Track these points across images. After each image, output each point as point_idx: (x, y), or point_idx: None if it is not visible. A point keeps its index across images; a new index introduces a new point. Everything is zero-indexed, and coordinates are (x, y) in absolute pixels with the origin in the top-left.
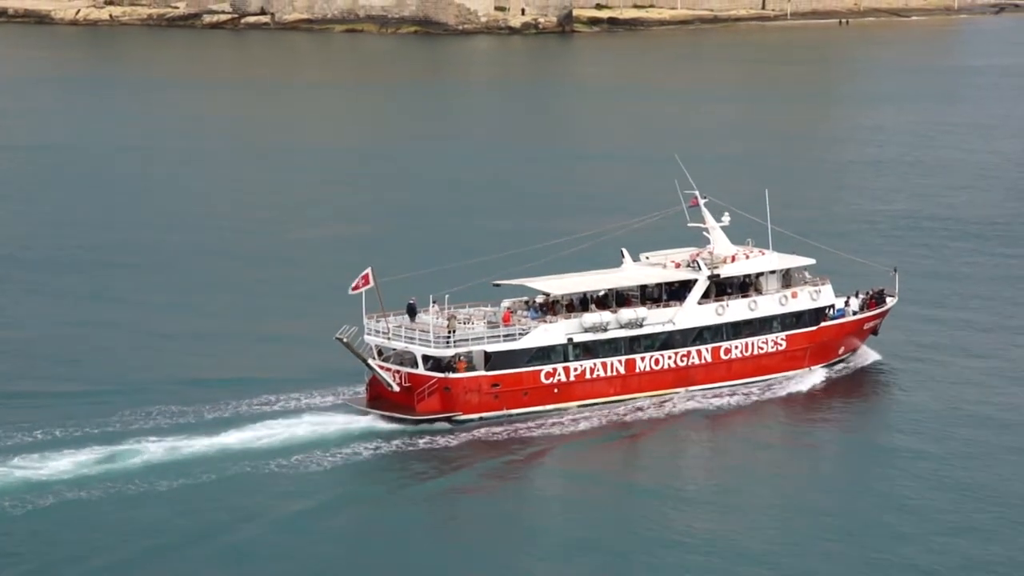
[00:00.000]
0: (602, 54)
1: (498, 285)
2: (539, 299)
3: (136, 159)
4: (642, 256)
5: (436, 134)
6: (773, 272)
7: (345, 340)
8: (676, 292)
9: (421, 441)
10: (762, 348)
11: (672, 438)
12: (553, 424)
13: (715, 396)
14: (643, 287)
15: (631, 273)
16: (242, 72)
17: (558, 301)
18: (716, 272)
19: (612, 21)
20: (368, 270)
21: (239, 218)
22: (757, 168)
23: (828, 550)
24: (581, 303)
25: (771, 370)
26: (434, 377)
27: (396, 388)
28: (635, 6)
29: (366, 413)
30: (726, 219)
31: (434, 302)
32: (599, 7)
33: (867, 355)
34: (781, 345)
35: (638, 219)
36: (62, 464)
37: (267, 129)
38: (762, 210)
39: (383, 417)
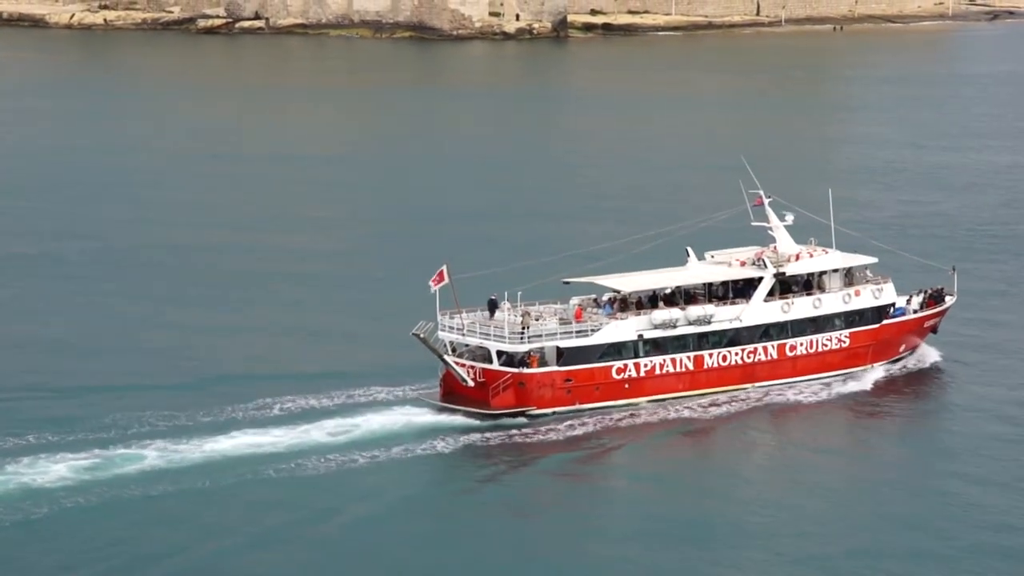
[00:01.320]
0: (601, 60)
1: (567, 283)
2: (606, 296)
3: (146, 161)
4: (707, 255)
5: (465, 137)
6: (836, 271)
7: (422, 336)
8: (742, 290)
9: (495, 436)
10: (826, 345)
11: (739, 434)
12: (624, 419)
13: (780, 392)
14: (708, 285)
15: (699, 271)
16: (237, 77)
17: (633, 297)
18: (781, 270)
19: (607, 27)
20: (443, 267)
21: (289, 219)
22: (807, 169)
23: (892, 550)
24: (649, 300)
25: (834, 367)
26: (508, 372)
27: (471, 383)
28: (630, 12)
29: (440, 408)
30: (789, 218)
31: (506, 299)
32: (594, 13)
33: (927, 353)
34: (844, 342)
35: (702, 219)
36: (151, 459)
37: (268, 133)
38: (820, 209)
39: (457, 412)
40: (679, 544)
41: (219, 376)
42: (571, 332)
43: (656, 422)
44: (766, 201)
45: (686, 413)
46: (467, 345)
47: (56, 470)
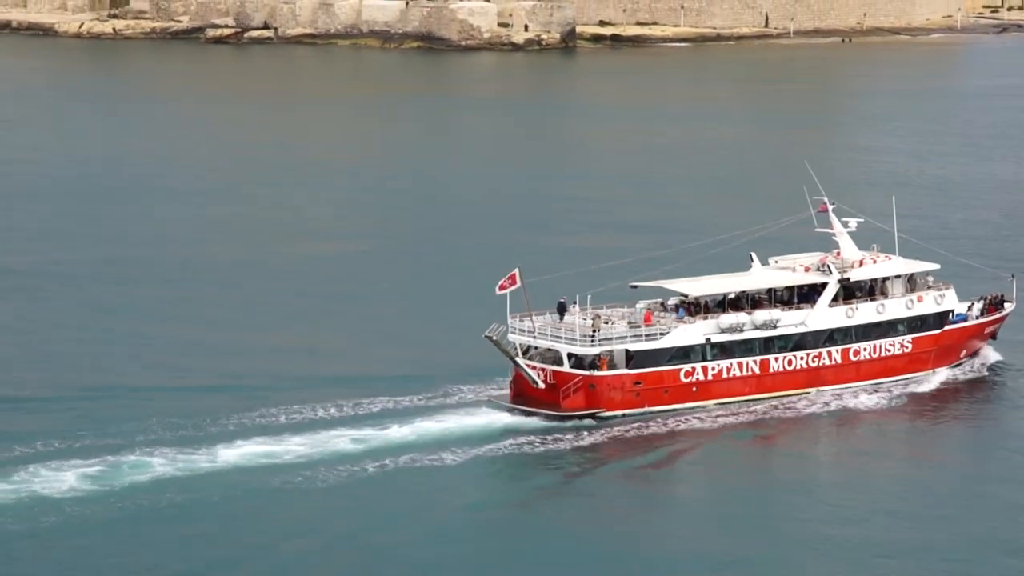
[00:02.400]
0: (613, 70)
1: (635, 287)
2: (673, 300)
3: (164, 170)
4: (771, 260)
5: (497, 146)
6: (899, 276)
7: (494, 338)
8: (806, 295)
9: (566, 437)
10: (889, 350)
11: (805, 437)
12: (691, 421)
13: (844, 396)
14: (772, 290)
15: (765, 276)
16: (246, 86)
17: (702, 302)
18: (846, 276)
19: (615, 38)
20: (515, 271)
21: (340, 227)
22: (856, 178)
23: (957, 553)
24: (716, 305)
25: (897, 371)
26: (579, 375)
27: (541, 385)
28: (638, 23)
29: (510, 410)
30: (853, 224)
31: (575, 303)
32: (602, 24)
33: (987, 359)
34: (907, 347)
35: (765, 225)
36: (222, 457)
37: (288, 142)
38: (877, 215)
39: (528, 414)
40: (747, 548)
41: (289, 378)
42: (641, 335)
43: (723, 425)
44: (830, 207)
45: (752, 416)
46: (536, 347)
47: (64, 478)
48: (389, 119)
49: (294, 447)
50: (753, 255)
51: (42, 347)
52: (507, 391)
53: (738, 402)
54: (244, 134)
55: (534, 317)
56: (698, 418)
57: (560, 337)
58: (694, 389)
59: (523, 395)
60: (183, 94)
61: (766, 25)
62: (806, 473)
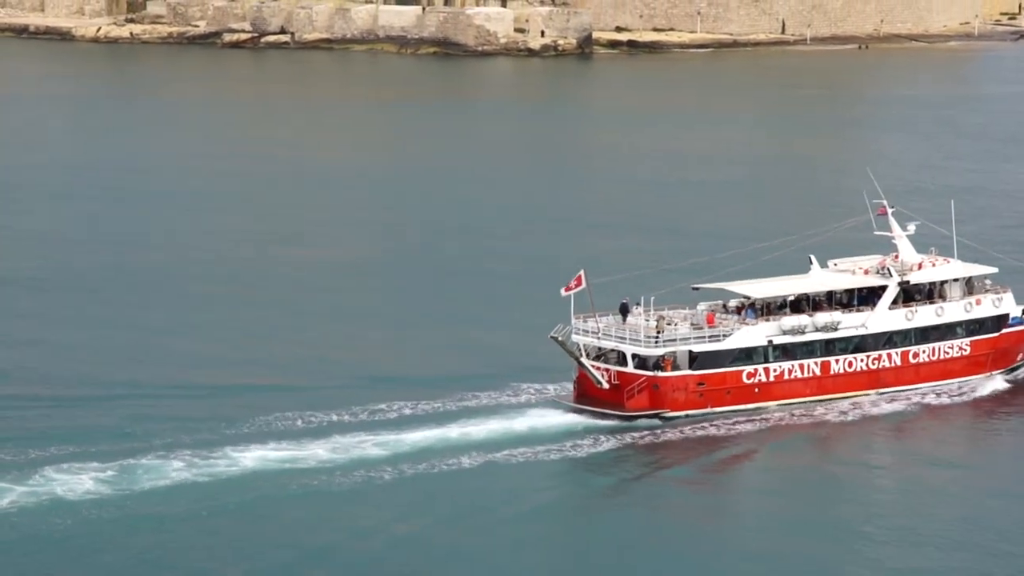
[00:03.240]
0: (631, 76)
1: (697, 288)
2: (733, 303)
3: (186, 176)
4: (830, 263)
5: (533, 150)
6: (957, 280)
7: (560, 339)
8: (865, 298)
9: (630, 437)
10: (947, 353)
11: (865, 440)
12: (753, 422)
13: (903, 398)
14: (832, 292)
15: (825, 278)
16: (263, 90)
17: (769, 304)
18: (906, 279)
19: (631, 44)
20: (581, 272)
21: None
22: (905, 183)
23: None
24: (777, 307)
25: (955, 374)
26: (644, 375)
27: (606, 386)
28: (655, 29)
29: (574, 410)
30: (912, 228)
31: (637, 304)
32: (619, 30)
33: None
34: (965, 350)
35: (824, 228)
36: (248, 459)
37: (324, 146)
38: (937, 218)
39: (592, 414)
40: (807, 550)
41: (346, 377)
42: (704, 337)
43: (785, 426)
44: (889, 211)
45: (813, 418)
46: (600, 348)
47: (81, 481)
48: (409, 124)
49: (357, 447)
50: (812, 258)
51: (58, 350)
52: (571, 391)
53: (799, 403)
54: (261, 139)
55: (598, 318)
56: (760, 419)
57: (624, 338)
58: (756, 390)
59: (587, 395)
60: (199, 99)
61: (783, 32)
62: (866, 477)
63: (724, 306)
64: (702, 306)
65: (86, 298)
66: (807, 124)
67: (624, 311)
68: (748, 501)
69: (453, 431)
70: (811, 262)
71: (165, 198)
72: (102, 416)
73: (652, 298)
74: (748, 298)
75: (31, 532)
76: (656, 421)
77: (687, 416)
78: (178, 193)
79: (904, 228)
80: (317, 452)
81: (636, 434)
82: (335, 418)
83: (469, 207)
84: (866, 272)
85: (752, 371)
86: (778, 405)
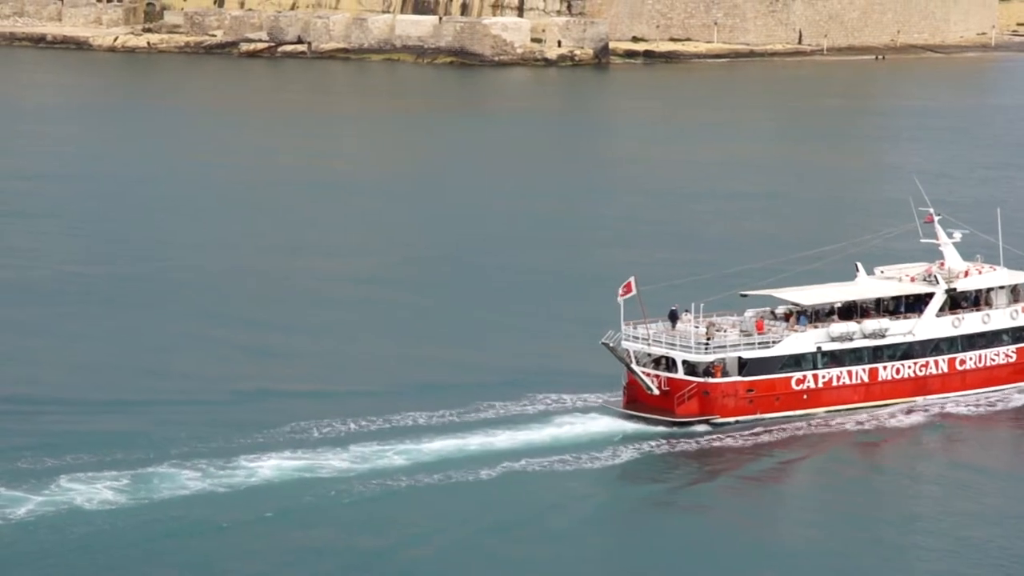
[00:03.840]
0: (650, 86)
1: (745, 295)
2: (780, 309)
3: (207, 185)
4: (876, 270)
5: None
6: (1003, 287)
7: (611, 345)
8: (912, 305)
9: (679, 443)
10: (994, 360)
11: (912, 447)
12: (802, 429)
13: (950, 405)
14: (879, 299)
15: (872, 285)
16: (279, 100)
17: (818, 310)
18: (952, 286)
19: (648, 54)
20: (631, 279)
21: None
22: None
23: None
24: (825, 313)
25: (1001, 381)
26: (694, 381)
27: (656, 392)
28: (671, 39)
29: (624, 416)
30: (957, 235)
31: (686, 311)
32: (635, 40)
33: None
34: (1011, 357)
35: (872, 235)
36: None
37: (331, 158)
38: (986, 226)
39: (642, 420)
40: (856, 556)
41: (406, 386)
42: (753, 343)
43: (833, 433)
44: (936, 218)
45: (861, 424)
46: (649, 354)
47: (95, 491)
48: (427, 134)
49: (408, 451)
50: (859, 265)
51: (73, 359)
52: (620, 397)
53: (847, 410)
54: (278, 148)
55: (648, 325)
56: (808, 426)
57: (675, 344)
58: (805, 396)
59: (636, 401)
60: (216, 108)
61: (800, 42)
62: (913, 485)
63: (772, 313)
64: (749, 313)
65: (102, 308)
66: (834, 134)
67: (673, 318)
68: (796, 508)
69: (502, 438)
70: (857, 269)
71: (180, 208)
72: (118, 425)
73: (701, 305)
74: (797, 305)
75: (47, 541)
76: (706, 427)
77: (736, 422)
78: (194, 203)
79: (950, 236)
80: (391, 459)
81: (685, 440)
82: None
83: (493, 217)
84: (912, 279)
85: (801, 377)
86: (826, 411)
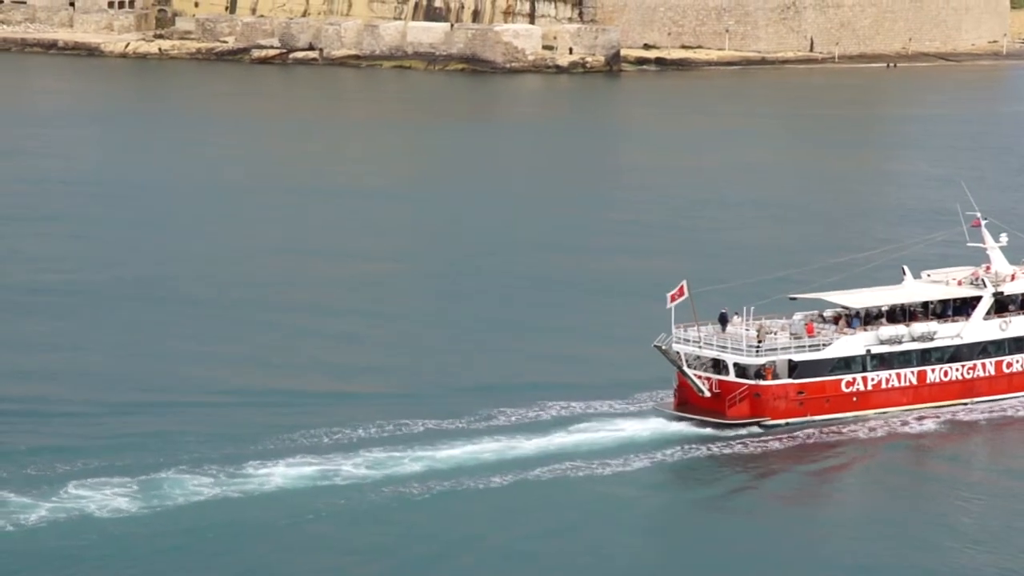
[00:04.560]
0: (664, 93)
1: (794, 299)
2: (829, 312)
3: (226, 191)
4: (923, 273)
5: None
6: None
7: (663, 348)
8: (959, 308)
9: (730, 446)
10: None
11: (961, 449)
12: (852, 431)
13: (997, 408)
14: (927, 302)
15: (920, 289)
16: (290, 107)
17: (867, 314)
18: (1000, 289)
19: (659, 61)
20: (683, 283)
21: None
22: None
23: None
24: (873, 317)
25: None
26: (745, 384)
27: (707, 394)
28: (683, 47)
29: (676, 418)
30: (1004, 239)
31: (736, 314)
32: (647, 47)
33: None
34: None
35: (917, 240)
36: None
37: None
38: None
39: (693, 422)
40: (903, 559)
41: (463, 388)
42: (804, 346)
43: (883, 435)
44: (983, 222)
45: (910, 427)
46: (698, 357)
47: (106, 497)
48: (441, 141)
49: (469, 452)
50: (905, 268)
51: (83, 365)
52: (671, 399)
53: (896, 412)
54: (291, 155)
55: (697, 327)
56: (858, 428)
57: (726, 347)
58: (854, 399)
59: (687, 403)
60: (227, 115)
61: (811, 50)
62: (962, 488)
63: (820, 316)
64: (797, 316)
65: (112, 313)
66: (859, 142)
67: (723, 321)
68: (845, 513)
69: (554, 441)
70: (904, 273)
71: (190, 214)
72: (129, 431)
73: (752, 308)
74: (846, 308)
75: (58, 548)
76: (756, 429)
77: (787, 424)
78: (203, 209)
79: (996, 239)
80: (450, 454)
81: (737, 442)
82: (462, 425)
83: (515, 224)
84: (960, 283)
85: (851, 380)
86: (875, 414)
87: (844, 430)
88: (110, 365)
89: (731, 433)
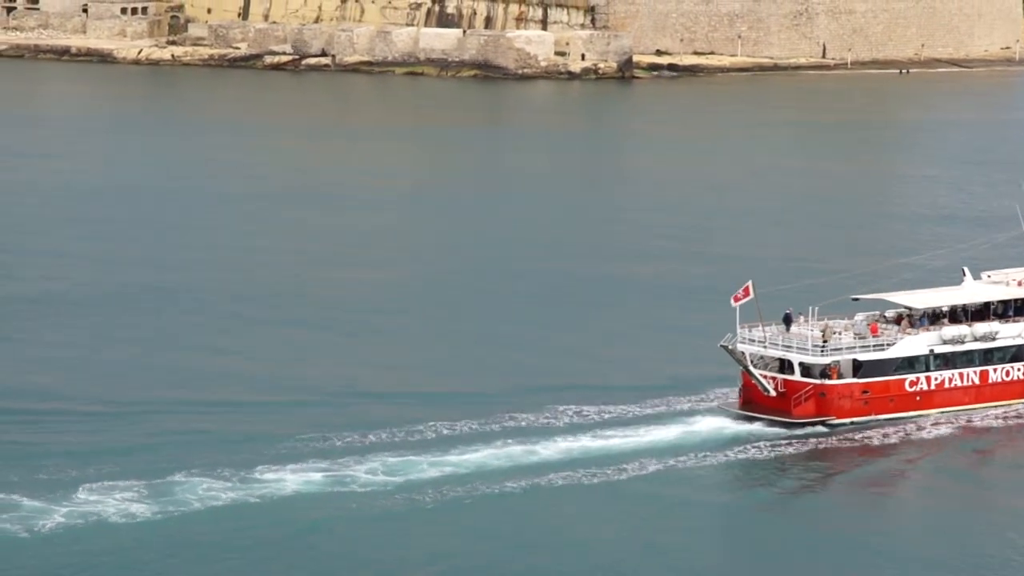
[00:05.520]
0: (679, 99)
1: (857, 299)
2: (891, 313)
3: (240, 197)
4: (983, 274)
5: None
6: None
7: (729, 347)
8: (1021, 308)
9: (796, 444)
10: None
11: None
12: (916, 430)
13: None
14: (988, 302)
15: (982, 289)
16: (303, 113)
17: (942, 313)
18: None
19: (672, 67)
20: (749, 283)
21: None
22: None
23: None
24: (937, 317)
25: None
26: (811, 383)
27: (773, 393)
28: (695, 53)
29: (741, 417)
30: None
31: (800, 314)
32: (659, 53)
33: None
34: None
35: (978, 240)
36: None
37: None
38: None
39: (759, 421)
40: (967, 558)
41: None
42: (868, 346)
43: (946, 434)
44: None
45: (973, 426)
46: (762, 357)
47: (118, 502)
48: (455, 146)
49: (537, 449)
50: (965, 269)
51: (96, 369)
52: (736, 399)
53: (958, 411)
54: (305, 161)
55: (763, 328)
56: (922, 427)
57: (791, 347)
58: (918, 398)
59: (753, 402)
60: (240, 121)
61: (823, 56)
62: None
63: (882, 316)
64: (860, 316)
65: (124, 318)
66: (889, 146)
67: (787, 321)
68: (909, 513)
69: (614, 440)
70: (964, 274)
71: (202, 218)
72: (142, 435)
73: (816, 308)
74: (909, 308)
75: (71, 553)
76: (821, 428)
77: (852, 423)
78: (216, 213)
79: None
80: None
81: (802, 441)
82: (489, 427)
83: (549, 229)
84: (1020, 284)
85: (914, 379)
86: (939, 413)
87: (907, 429)
88: (123, 369)
89: (797, 432)
